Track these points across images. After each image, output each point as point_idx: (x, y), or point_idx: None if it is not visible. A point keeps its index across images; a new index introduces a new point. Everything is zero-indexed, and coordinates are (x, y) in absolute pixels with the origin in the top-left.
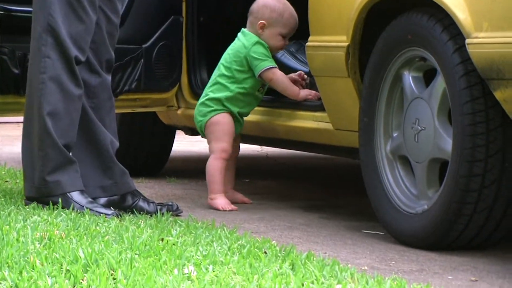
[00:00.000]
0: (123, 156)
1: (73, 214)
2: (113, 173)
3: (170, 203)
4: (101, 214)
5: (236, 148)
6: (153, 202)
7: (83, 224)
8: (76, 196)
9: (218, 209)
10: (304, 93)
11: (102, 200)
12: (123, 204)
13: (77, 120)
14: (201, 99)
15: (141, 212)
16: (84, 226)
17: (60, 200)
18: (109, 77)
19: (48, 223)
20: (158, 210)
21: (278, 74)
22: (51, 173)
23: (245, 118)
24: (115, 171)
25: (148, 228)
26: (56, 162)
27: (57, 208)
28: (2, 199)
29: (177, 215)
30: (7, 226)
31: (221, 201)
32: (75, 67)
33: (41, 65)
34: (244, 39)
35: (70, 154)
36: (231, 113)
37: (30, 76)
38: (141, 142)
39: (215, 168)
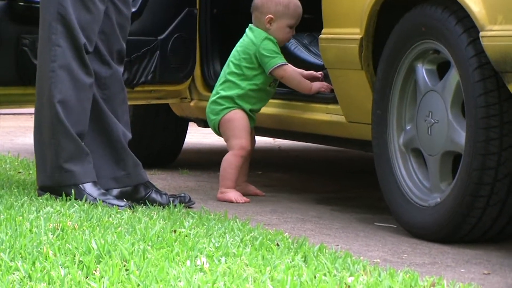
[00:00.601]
0: (136, 147)
1: (86, 205)
2: (126, 164)
3: (182, 195)
4: (114, 206)
5: (251, 141)
6: (165, 194)
7: (96, 215)
8: (88, 187)
9: (231, 201)
10: (316, 86)
11: (115, 192)
12: (135, 195)
13: (88, 109)
14: (212, 98)
15: (154, 204)
16: (97, 217)
17: (73, 191)
18: (121, 69)
19: (61, 214)
20: (171, 201)
21: (289, 70)
22: (64, 162)
23: None
24: (128, 162)
25: (161, 219)
26: (69, 151)
27: (70, 199)
28: (15, 190)
29: (189, 207)
30: (20, 217)
31: (233, 194)
32: (85, 56)
33: (51, 54)
34: (252, 36)
35: (83, 143)
36: (243, 110)
37: (40, 65)
38: (154, 134)
39: (231, 164)
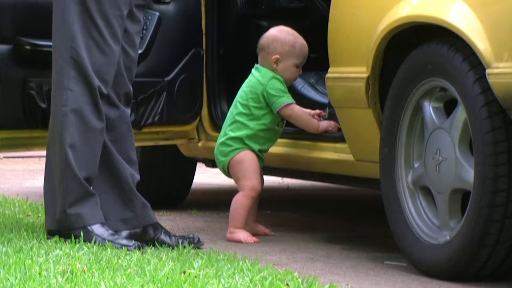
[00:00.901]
0: (144, 188)
1: (95, 247)
2: (134, 206)
3: (191, 236)
4: (123, 247)
5: (261, 181)
6: (174, 236)
7: (105, 257)
8: (97, 228)
9: (240, 242)
10: (324, 125)
11: (124, 233)
12: (144, 237)
13: (98, 154)
14: (221, 139)
15: (163, 245)
16: (106, 260)
17: (82, 233)
18: (128, 110)
19: (70, 256)
20: (180, 243)
21: (297, 109)
22: (71, 206)
23: None
24: (136, 203)
25: (170, 260)
26: (77, 195)
27: (79, 242)
28: (24, 233)
29: (198, 248)
30: (30, 260)
31: (242, 234)
32: (99, 100)
33: (63, 98)
34: (259, 75)
35: (91, 187)
36: (253, 150)
37: (53, 109)
38: (162, 175)
39: (241, 205)
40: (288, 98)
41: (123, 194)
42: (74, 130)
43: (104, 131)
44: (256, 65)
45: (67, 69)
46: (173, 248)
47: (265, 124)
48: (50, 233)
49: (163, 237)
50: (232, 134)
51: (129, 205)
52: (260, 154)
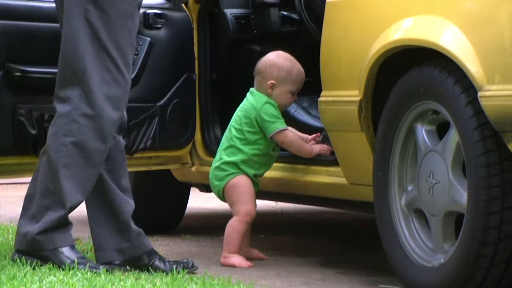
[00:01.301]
0: (138, 214)
1: (88, 273)
2: (130, 236)
3: (185, 260)
4: (93, 270)
5: (255, 206)
6: (169, 261)
7: (99, 283)
8: (66, 251)
9: (234, 266)
10: (317, 149)
11: (118, 262)
12: (139, 263)
13: (92, 184)
14: (216, 163)
15: (157, 271)
16: (100, 286)
17: (50, 256)
18: (121, 138)
19: (64, 283)
20: (174, 268)
21: (289, 136)
22: (43, 233)
23: None
24: (132, 233)
25: (164, 286)
26: (54, 225)
27: (73, 268)
28: (18, 260)
29: (192, 273)
30: (23, 287)
31: (236, 258)
32: (106, 133)
33: (65, 128)
34: (253, 100)
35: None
36: (247, 175)
37: (52, 135)
38: (156, 200)
39: (236, 230)
40: (281, 124)
41: (119, 225)
42: (71, 160)
43: (100, 168)
44: (251, 89)
45: (77, 101)
46: (167, 274)
47: (260, 149)
48: (18, 252)
49: (157, 263)
50: (227, 158)
51: (125, 235)
52: (255, 179)
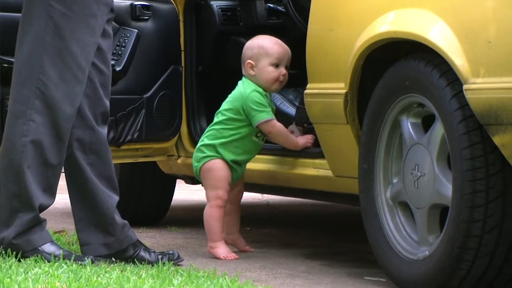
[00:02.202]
0: (123, 206)
1: (74, 265)
2: (115, 230)
3: (171, 252)
4: (78, 262)
5: (239, 191)
6: (154, 252)
7: (84, 275)
8: (47, 248)
9: (219, 258)
10: (302, 141)
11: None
12: (124, 254)
13: (56, 183)
14: (198, 145)
15: (142, 262)
16: (85, 278)
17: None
18: (104, 130)
19: (49, 275)
20: (159, 259)
21: (277, 126)
22: (19, 236)
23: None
24: (117, 228)
25: (150, 278)
26: (26, 226)
27: (58, 259)
28: (3, 252)
29: (178, 264)
30: (8, 279)
31: (222, 250)
32: (63, 132)
33: (24, 128)
34: (242, 87)
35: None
36: (224, 160)
37: (9, 137)
38: (142, 192)
39: (211, 216)
40: (268, 114)
41: (104, 220)
42: (32, 160)
43: (62, 164)
44: (243, 77)
45: (32, 100)
46: (152, 265)
47: (241, 133)
48: None
49: (142, 253)
50: (206, 141)
51: (110, 229)
52: (233, 165)
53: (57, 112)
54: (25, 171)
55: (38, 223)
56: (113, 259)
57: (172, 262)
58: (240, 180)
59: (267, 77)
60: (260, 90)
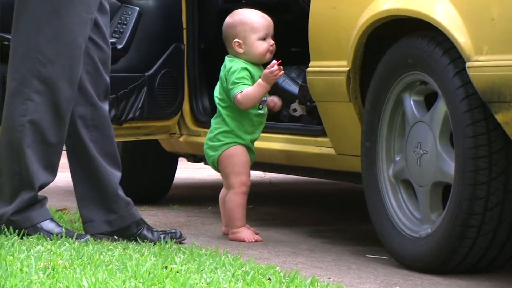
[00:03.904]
0: (126, 184)
1: (76, 243)
2: (118, 207)
3: (173, 231)
4: (81, 240)
5: (249, 176)
6: (156, 231)
7: (87, 253)
8: (46, 225)
9: (244, 241)
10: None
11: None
12: (127, 232)
13: (57, 161)
14: (209, 136)
15: (145, 240)
16: (88, 255)
17: (31, 233)
18: (106, 106)
19: (51, 252)
20: (162, 238)
21: (245, 92)
22: (18, 212)
23: None
24: (120, 205)
25: (152, 256)
26: (26, 204)
27: (60, 237)
28: (6, 230)
29: (180, 243)
30: (11, 257)
31: (245, 233)
32: (62, 111)
33: (22, 107)
34: (223, 66)
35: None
36: (243, 145)
37: (8, 117)
38: (144, 170)
39: (236, 203)
40: (238, 88)
41: (107, 197)
42: (31, 140)
43: (63, 142)
44: (228, 56)
45: (30, 79)
46: (155, 243)
47: (242, 112)
48: None
49: (145, 232)
50: (218, 129)
51: (113, 206)
52: (251, 147)
53: (55, 91)
54: (25, 150)
55: (38, 201)
56: (115, 237)
57: (175, 240)
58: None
59: (259, 52)
60: (249, 66)
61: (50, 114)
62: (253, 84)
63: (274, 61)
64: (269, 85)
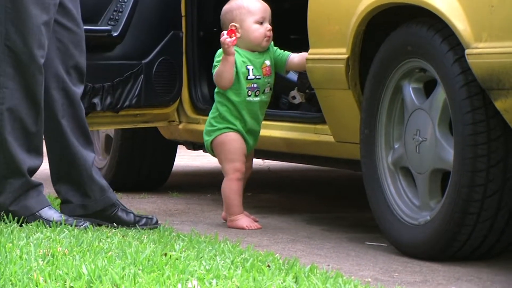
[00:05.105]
0: (125, 171)
1: (75, 230)
2: (93, 191)
3: (150, 217)
4: (80, 227)
5: (248, 168)
6: (132, 213)
7: (86, 240)
8: (44, 213)
9: (243, 229)
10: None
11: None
12: (101, 214)
13: (40, 145)
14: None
15: (119, 222)
16: (87, 243)
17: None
18: (79, 89)
19: (51, 240)
20: (137, 221)
21: (216, 71)
22: (14, 203)
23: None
24: (94, 188)
25: (151, 243)
26: (20, 191)
27: (60, 225)
28: (5, 217)
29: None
30: (10, 244)
31: (244, 220)
32: (36, 96)
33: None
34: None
35: (32, 177)
36: (237, 131)
37: None
38: (143, 157)
39: (231, 190)
40: (214, 69)
41: (82, 181)
42: (11, 127)
43: (42, 131)
44: None
45: (3, 67)
46: (129, 226)
47: (232, 100)
48: None
49: (120, 213)
50: (212, 114)
51: (88, 191)
52: (246, 135)
53: (26, 77)
54: (6, 137)
55: (31, 187)
56: (114, 224)
57: (148, 226)
58: (249, 157)
59: (255, 36)
60: (243, 54)
61: (25, 100)
62: (258, 72)
63: (225, 32)
64: (227, 56)
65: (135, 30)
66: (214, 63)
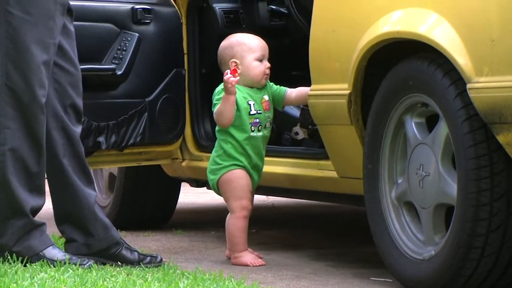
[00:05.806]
0: (129, 209)
1: (80, 270)
2: (96, 230)
3: (154, 255)
4: (84, 266)
5: (251, 200)
6: (136, 251)
7: (90, 279)
8: (48, 252)
9: (247, 265)
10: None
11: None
12: (105, 252)
13: (43, 185)
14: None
15: (124, 260)
16: (92, 282)
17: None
18: (78, 129)
19: (55, 279)
20: (141, 260)
21: (215, 111)
22: (18, 242)
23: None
24: (98, 227)
25: (156, 281)
26: (23, 232)
27: (64, 264)
28: (9, 257)
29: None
30: (15, 284)
31: (248, 257)
32: (39, 134)
33: (0, 136)
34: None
35: (35, 217)
36: (243, 168)
37: None
38: (147, 195)
39: (237, 227)
40: (215, 108)
41: (84, 219)
42: (14, 167)
43: (44, 165)
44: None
45: (2, 107)
46: (133, 264)
47: (236, 137)
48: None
49: (124, 252)
50: (217, 151)
51: (91, 229)
52: (251, 171)
53: (28, 116)
54: (8, 177)
55: (34, 227)
56: (119, 263)
57: (153, 264)
58: (252, 193)
59: (255, 73)
60: (243, 90)
61: (27, 140)
62: (259, 107)
63: (228, 70)
64: (229, 95)
65: (139, 68)
66: (214, 101)
